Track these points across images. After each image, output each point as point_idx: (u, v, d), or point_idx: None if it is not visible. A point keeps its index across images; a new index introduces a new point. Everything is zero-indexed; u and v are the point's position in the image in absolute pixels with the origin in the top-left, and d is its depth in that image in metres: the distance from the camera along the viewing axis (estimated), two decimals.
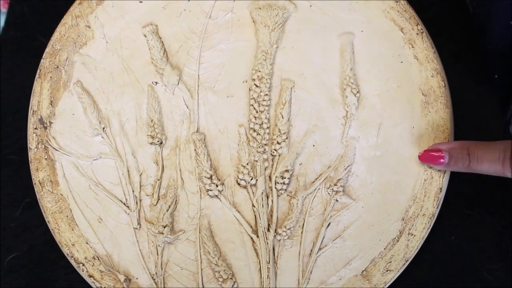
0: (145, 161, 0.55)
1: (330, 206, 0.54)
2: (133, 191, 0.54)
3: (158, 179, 0.54)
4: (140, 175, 0.54)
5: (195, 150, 0.54)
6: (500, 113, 0.61)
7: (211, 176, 0.54)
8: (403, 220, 0.53)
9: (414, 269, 0.54)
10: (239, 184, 0.54)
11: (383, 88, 0.55)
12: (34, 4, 0.66)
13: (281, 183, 0.54)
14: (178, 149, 0.55)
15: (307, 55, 0.55)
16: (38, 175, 0.54)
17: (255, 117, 0.55)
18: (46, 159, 0.54)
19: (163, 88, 0.55)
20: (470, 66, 0.61)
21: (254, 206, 0.54)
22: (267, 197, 0.54)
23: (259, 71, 0.55)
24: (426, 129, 0.54)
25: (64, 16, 0.56)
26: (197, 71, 0.55)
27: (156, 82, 0.55)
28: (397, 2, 0.55)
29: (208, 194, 0.54)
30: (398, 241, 0.53)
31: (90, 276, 0.53)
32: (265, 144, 0.55)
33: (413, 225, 0.53)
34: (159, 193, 0.54)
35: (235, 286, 0.53)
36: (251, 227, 0.54)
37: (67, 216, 0.54)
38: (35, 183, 0.54)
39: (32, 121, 0.55)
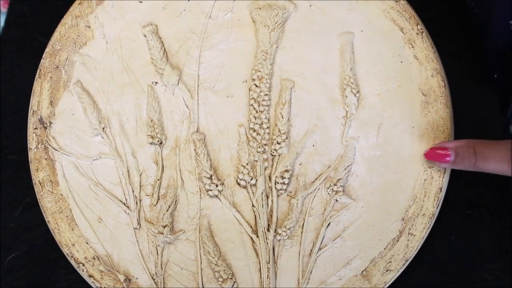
0: (145, 161, 0.55)
1: (330, 206, 0.54)
2: (133, 191, 0.54)
3: (158, 179, 0.54)
4: (140, 175, 0.54)
5: (195, 150, 0.54)
6: (500, 113, 0.61)
7: (211, 176, 0.54)
8: (403, 220, 0.53)
9: (414, 269, 0.54)
10: (239, 184, 0.54)
11: (383, 88, 0.55)
12: (34, 4, 0.66)
13: (281, 183, 0.54)
14: (178, 149, 0.55)
15: (307, 55, 0.55)
16: (38, 175, 0.54)
17: (255, 117, 0.55)
18: (46, 159, 0.54)
19: (163, 88, 0.55)
20: (470, 66, 0.61)
21: (254, 206, 0.54)
22: (267, 197, 0.54)
23: (259, 71, 0.55)
24: (426, 129, 0.54)
25: (64, 16, 0.56)
26: (197, 71, 0.55)
27: (156, 82, 0.55)
28: (397, 2, 0.55)
29: (208, 194, 0.54)
30: (398, 241, 0.53)
31: (90, 276, 0.53)
32: (265, 144, 0.55)
33: (413, 225, 0.53)
34: (159, 193, 0.54)
35: (235, 286, 0.53)
36: (251, 227, 0.54)
37: (67, 216, 0.54)
38: (35, 183, 0.54)
39: (32, 121, 0.55)
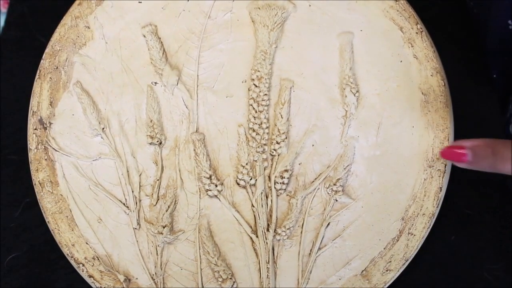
0: (144, 161, 0.55)
1: (330, 206, 0.54)
2: (132, 191, 0.54)
3: (158, 179, 0.54)
4: (140, 175, 0.55)
5: (194, 150, 0.54)
6: (500, 113, 0.61)
7: (210, 176, 0.54)
8: (403, 219, 0.53)
9: (414, 269, 0.54)
10: (238, 184, 0.54)
11: (382, 87, 0.55)
12: (34, 4, 0.66)
13: (280, 183, 0.54)
14: (177, 149, 0.55)
15: (306, 54, 0.55)
16: (38, 175, 0.54)
17: (255, 117, 0.55)
18: (46, 159, 0.54)
19: (163, 88, 0.55)
20: (470, 66, 0.61)
21: (254, 206, 0.54)
22: (267, 197, 0.54)
23: (258, 71, 0.55)
24: (426, 128, 0.54)
25: (64, 17, 0.56)
26: (196, 71, 0.55)
27: (156, 82, 0.55)
28: (396, 1, 0.55)
29: (207, 194, 0.54)
30: (398, 240, 0.53)
31: (90, 276, 0.53)
32: (265, 144, 0.55)
33: (413, 224, 0.53)
34: (158, 193, 0.54)
35: (234, 286, 0.53)
36: (251, 227, 0.54)
37: (67, 217, 0.54)
38: (35, 184, 0.54)
39: (32, 122, 0.55)
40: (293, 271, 0.53)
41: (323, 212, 0.54)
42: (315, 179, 0.54)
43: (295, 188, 0.54)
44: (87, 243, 0.53)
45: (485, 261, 0.55)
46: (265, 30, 0.55)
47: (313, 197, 0.54)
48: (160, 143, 0.55)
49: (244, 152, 0.54)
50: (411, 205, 0.53)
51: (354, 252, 0.53)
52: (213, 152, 0.55)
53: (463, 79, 0.60)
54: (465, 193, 0.57)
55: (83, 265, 0.53)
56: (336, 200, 0.54)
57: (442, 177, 0.53)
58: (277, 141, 0.54)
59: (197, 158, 0.54)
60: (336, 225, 0.54)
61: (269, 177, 0.54)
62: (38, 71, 0.55)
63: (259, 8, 0.55)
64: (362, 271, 0.53)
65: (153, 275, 0.53)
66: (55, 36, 0.56)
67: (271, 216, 0.54)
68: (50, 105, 0.55)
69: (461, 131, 0.55)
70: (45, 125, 0.55)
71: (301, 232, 0.54)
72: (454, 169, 0.54)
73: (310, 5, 0.56)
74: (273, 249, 0.54)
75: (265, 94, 0.55)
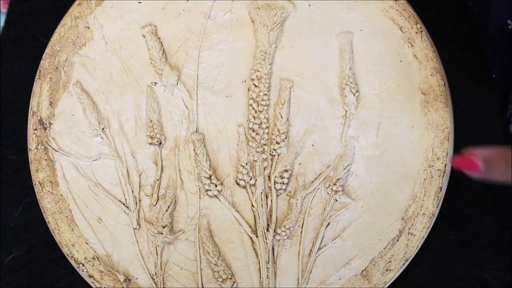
0: (144, 162, 0.55)
1: (330, 205, 0.54)
2: (132, 192, 0.54)
3: (158, 179, 0.54)
4: (140, 175, 0.55)
5: (194, 150, 0.54)
6: (500, 113, 0.61)
7: (210, 176, 0.54)
8: (402, 219, 0.53)
9: (414, 269, 0.54)
10: (238, 184, 0.54)
11: (382, 87, 0.55)
12: (34, 4, 0.66)
13: (280, 183, 0.54)
14: (177, 149, 0.55)
15: (306, 54, 0.55)
16: (38, 175, 0.54)
17: (254, 117, 0.55)
18: (46, 159, 0.54)
19: (162, 88, 0.55)
20: (470, 66, 0.61)
21: (253, 206, 0.54)
22: (266, 197, 0.54)
23: (258, 71, 0.55)
24: (425, 128, 0.54)
25: (64, 17, 0.56)
26: (196, 71, 0.55)
27: (155, 83, 0.55)
28: (396, 1, 0.55)
29: (207, 194, 0.54)
30: (398, 240, 0.53)
31: (90, 276, 0.53)
32: (264, 144, 0.55)
33: (413, 224, 0.53)
34: (158, 193, 0.54)
35: (234, 286, 0.53)
36: (251, 227, 0.54)
37: (67, 217, 0.54)
38: (35, 184, 0.54)
39: (32, 122, 0.55)
40: (293, 271, 0.53)
41: (323, 212, 0.54)
42: (315, 179, 0.54)
43: (295, 188, 0.54)
44: (87, 243, 0.53)
45: (485, 261, 0.55)
46: (264, 30, 0.55)
47: (313, 197, 0.54)
48: (160, 143, 0.55)
49: (244, 152, 0.54)
50: (411, 205, 0.53)
51: (354, 252, 0.53)
52: (213, 152, 0.55)
53: (463, 79, 0.60)
54: (465, 193, 0.57)
55: (83, 265, 0.53)
56: (336, 200, 0.54)
57: (442, 177, 0.53)
58: (277, 141, 0.54)
59: (197, 158, 0.54)
60: (336, 225, 0.54)
61: (269, 177, 0.54)
62: (38, 71, 0.55)
63: (258, 8, 0.55)
64: (362, 271, 0.53)
65: (153, 275, 0.53)
66: (55, 36, 0.56)
67: (271, 216, 0.54)
68: (50, 105, 0.55)
69: (461, 131, 0.55)
70: (45, 125, 0.55)
71: (301, 232, 0.54)
72: (454, 169, 0.54)
73: (310, 5, 0.56)
74: (273, 249, 0.54)
75: (265, 94, 0.55)
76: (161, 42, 0.56)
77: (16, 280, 0.56)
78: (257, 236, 0.54)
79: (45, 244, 0.57)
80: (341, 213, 0.54)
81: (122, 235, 0.54)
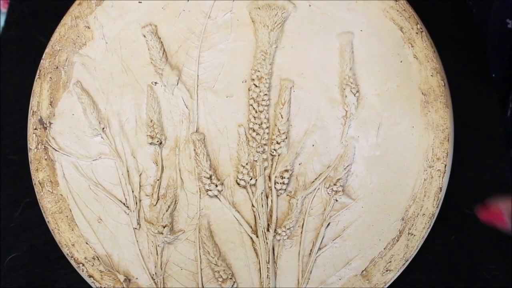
0: (144, 161, 0.55)
1: (330, 206, 0.54)
2: (132, 191, 0.54)
3: (158, 179, 0.54)
4: (140, 175, 0.54)
5: (194, 150, 0.54)
6: (500, 113, 0.61)
7: (210, 176, 0.54)
8: (403, 220, 0.53)
9: (414, 269, 0.54)
10: (238, 184, 0.54)
11: (382, 87, 0.55)
12: (34, 4, 0.66)
13: (280, 183, 0.54)
14: (177, 149, 0.55)
15: (306, 54, 0.55)
16: (38, 175, 0.54)
17: (255, 117, 0.55)
18: (46, 159, 0.54)
19: (163, 88, 0.55)
20: (470, 66, 0.61)
21: (254, 206, 0.54)
22: (267, 197, 0.54)
23: (259, 71, 0.55)
24: (426, 129, 0.54)
25: (64, 17, 0.56)
26: (196, 71, 0.55)
27: (156, 82, 0.55)
28: (396, 1, 0.55)
29: (207, 194, 0.54)
30: (398, 241, 0.53)
31: (90, 276, 0.53)
32: (265, 144, 0.55)
33: (413, 224, 0.53)
34: (158, 193, 0.54)
35: (234, 286, 0.53)
36: (251, 227, 0.54)
37: (67, 217, 0.54)
38: (35, 184, 0.54)
39: (32, 122, 0.55)
40: (293, 271, 0.53)
41: (323, 212, 0.54)
42: (315, 179, 0.54)
43: (295, 188, 0.54)
44: (87, 243, 0.53)
45: (485, 261, 0.55)
46: (265, 30, 0.55)
47: (313, 197, 0.54)
48: (160, 143, 0.55)
49: (244, 152, 0.54)
50: (411, 205, 0.53)
51: (354, 252, 0.53)
52: (213, 152, 0.55)
53: (463, 79, 0.60)
54: (465, 193, 0.57)
55: (83, 265, 0.53)
56: (336, 200, 0.54)
57: (442, 177, 0.53)
58: (277, 141, 0.54)
59: (197, 158, 0.54)
60: (336, 225, 0.54)
61: (269, 177, 0.54)
62: (38, 71, 0.55)
63: (259, 8, 0.55)
64: (362, 271, 0.53)
65: (153, 275, 0.53)
66: (55, 36, 0.56)
67: (271, 216, 0.54)
68: (50, 105, 0.55)
69: (461, 131, 0.55)
70: (45, 125, 0.55)
71: (301, 232, 0.54)
72: (454, 169, 0.54)
73: (310, 5, 0.56)
74: (273, 249, 0.54)
75: (265, 94, 0.55)
76: (162, 42, 0.56)
77: (16, 280, 0.56)
78: (257, 236, 0.54)
79: (45, 244, 0.57)
80: (341, 213, 0.54)
81: (122, 235, 0.54)
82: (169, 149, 0.55)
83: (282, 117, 0.54)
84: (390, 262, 0.53)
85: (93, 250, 0.53)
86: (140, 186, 0.54)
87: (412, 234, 0.53)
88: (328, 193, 0.54)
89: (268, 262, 0.53)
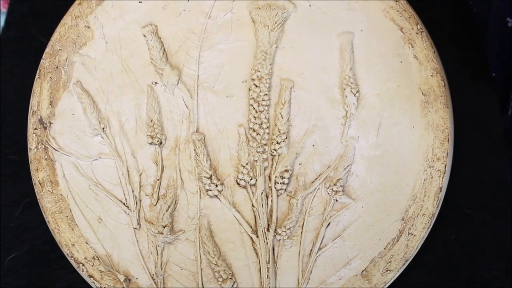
0: (144, 161, 0.55)
1: (330, 206, 0.54)
2: (132, 191, 0.54)
3: (158, 179, 0.54)
4: (140, 175, 0.54)
5: (194, 150, 0.54)
6: (500, 113, 0.61)
7: (210, 176, 0.54)
8: (403, 220, 0.53)
9: (414, 269, 0.54)
10: (238, 184, 0.54)
11: (382, 87, 0.55)
12: (34, 4, 0.66)
13: (280, 183, 0.54)
14: (177, 149, 0.55)
15: (306, 54, 0.55)
16: (38, 175, 0.54)
17: (255, 117, 0.55)
18: (46, 159, 0.54)
19: (163, 88, 0.55)
20: (470, 66, 0.61)
21: (254, 206, 0.54)
22: (267, 197, 0.54)
23: (259, 71, 0.55)
24: (426, 129, 0.54)
25: (64, 17, 0.56)
26: (196, 71, 0.55)
27: (156, 82, 0.55)
28: (396, 1, 0.55)
29: (207, 194, 0.54)
30: (398, 241, 0.53)
31: (90, 276, 0.53)
32: (265, 144, 0.55)
33: (413, 225, 0.53)
34: (158, 193, 0.54)
35: (234, 286, 0.53)
36: (251, 227, 0.54)
37: (67, 216, 0.54)
38: (35, 183, 0.54)
39: (32, 122, 0.55)
40: (293, 271, 0.53)
41: (323, 212, 0.54)
42: (315, 179, 0.54)
43: (295, 188, 0.54)
44: (87, 243, 0.53)
45: (485, 261, 0.55)
46: (265, 30, 0.55)
47: (313, 197, 0.54)
48: (160, 143, 0.55)
49: (244, 152, 0.54)
50: (411, 205, 0.53)
51: (354, 252, 0.53)
52: (213, 152, 0.55)
53: (463, 79, 0.60)
54: (465, 193, 0.57)
55: (83, 265, 0.53)
56: (336, 200, 0.54)
57: (442, 177, 0.53)
58: (277, 141, 0.54)
59: (197, 158, 0.54)
60: (336, 225, 0.54)
61: (269, 177, 0.54)
62: (38, 71, 0.55)
63: (259, 8, 0.55)
64: (362, 271, 0.53)
65: (153, 275, 0.53)
66: (55, 35, 0.56)
67: (271, 216, 0.54)
68: (50, 104, 0.55)
69: (461, 131, 0.55)
70: (45, 125, 0.55)
71: (301, 232, 0.54)
72: (454, 169, 0.54)
73: (310, 5, 0.56)
74: (273, 249, 0.54)
75: (266, 94, 0.55)
76: (162, 42, 0.56)
77: (16, 280, 0.56)
78: (257, 236, 0.54)
79: (45, 244, 0.57)
80: (342, 213, 0.54)
81: (122, 235, 0.54)
82: (169, 149, 0.55)
83: (282, 117, 0.54)
84: (390, 262, 0.53)
85: (93, 250, 0.53)
86: (140, 186, 0.54)
87: (412, 234, 0.53)
88: (328, 193, 0.54)
89: (268, 262, 0.53)
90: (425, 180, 0.53)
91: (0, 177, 0.59)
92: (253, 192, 0.54)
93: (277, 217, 0.54)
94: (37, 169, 0.54)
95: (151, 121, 0.55)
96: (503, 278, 0.55)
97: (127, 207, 0.54)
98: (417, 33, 0.55)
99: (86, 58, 0.55)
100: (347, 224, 0.54)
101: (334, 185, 0.54)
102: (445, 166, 0.53)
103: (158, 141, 0.55)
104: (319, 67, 0.55)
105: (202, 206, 0.54)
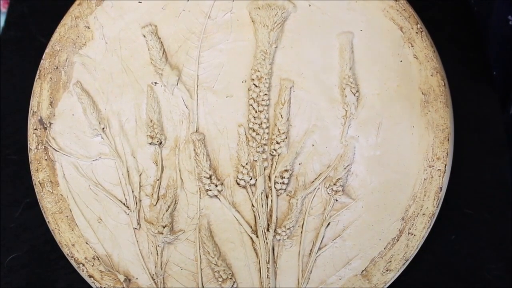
0: (144, 161, 0.55)
1: (330, 205, 0.54)
2: (132, 191, 0.54)
3: (158, 179, 0.54)
4: (140, 175, 0.55)
5: (194, 150, 0.54)
6: (500, 113, 0.61)
7: (210, 176, 0.54)
8: (403, 219, 0.53)
9: (414, 269, 0.54)
10: (238, 184, 0.54)
11: (382, 87, 0.55)
12: (34, 4, 0.66)
13: (280, 183, 0.54)
14: (177, 149, 0.55)
15: (306, 54, 0.55)
16: (38, 175, 0.54)
17: (255, 117, 0.55)
18: (46, 159, 0.54)
19: (163, 88, 0.55)
20: (470, 65, 0.61)
21: (254, 206, 0.54)
22: (267, 197, 0.54)
23: (258, 71, 0.55)
24: (426, 128, 0.54)
25: (64, 17, 0.56)
26: (196, 71, 0.55)
27: (156, 82, 0.55)
28: (396, 1, 0.55)
29: (207, 194, 0.54)
30: (398, 240, 0.53)
31: (90, 276, 0.53)
32: (265, 144, 0.55)
33: (413, 224, 0.53)
34: (158, 193, 0.54)
35: (234, 286, 0.53)
36: (251, 227, 0.54)
37: (67, 217, 0.54)
38: (35, 184, 0.54)
39: (32, 122, 0.55)
40: (293, 271, 0.53)
41: (323, 212, 0.54)
42: (315, 179, 0.54)
43: (295, 188, 0.54)
44: (87, 243, 0.53)
45: (485, 261, 0.55)
46: (265, 30, 0.55)
47: (313, 197, 0.54)
48: (160, 143, 0.55)
49: (244, 152, 0.54)
50: (411, 205, 0.53)
51: (354, 252, 0.53)
52: (213, 152, 0.55)
53: (463, 79, 0.60)
54: (465, 193, 0.57)
55: (83, 265, 0.53)
56: (336, 200, 0.54)
57: (442, 177, 0.53)
58: (277, 141, 0.54)
59: (197, 158, 0.54)
60: (336, 225, 0.54)
61: (269, 177, 0.54)
62: (38, 71, 0.55)
63: (259, 8, 0.55)
64: (362, 271, 0.53)
65: (153, 275, 0.53)
66: (55, 36, 0.56)
67: (271, 216, 0.54)
68: (50, 105, 0.55)
69: (461, 131, 0.55)
70: (45, 125, 0.55)
71: (301, 232, 0.54)
72: (454, 169, 0.54)
73: (310, 5, 0.56)
74: (273, 249, 0.54)
75: (265, 94, 0.55)
76: (162, 42, 0.56)
77: (16, 280, 0.56)
78: (257, 236, 0.54)
79: (45, 244, 0.57)
80: (341, 213, 0.54)
81: (122, 235, 0.54)
82: (169, 149, 0.55)
83: (282, 117, 0.54)
84: (390, 262, 0.53)
85: (93, 250, 0.53)
86: (140, 186, 0.54)
87: (412, 234, 0.53)
88: (328, 193, 0.54)
89: (268, 262, 0.53)
90: (425, 179, 0.53)
91: (0, 177, 0.59)
92: (253, 192, 0.54)
93: (277, 217, 0.54)
94: (37, 170, 0.54)
95: (151, 121, 0.55)
96: (503, 278, 0.55)
97: (127, 207, 0.54)
98: (417, 32, 0.55)
99: (86, 58, 0.55)
100: (347, 224, 0.54)
101: (334, 185, 0.54)
102: (445, 165, 0.53)
103: (158, 141, 0.55)
104: (319, 67, 0.55)
105: (202, 206, 0.54)
